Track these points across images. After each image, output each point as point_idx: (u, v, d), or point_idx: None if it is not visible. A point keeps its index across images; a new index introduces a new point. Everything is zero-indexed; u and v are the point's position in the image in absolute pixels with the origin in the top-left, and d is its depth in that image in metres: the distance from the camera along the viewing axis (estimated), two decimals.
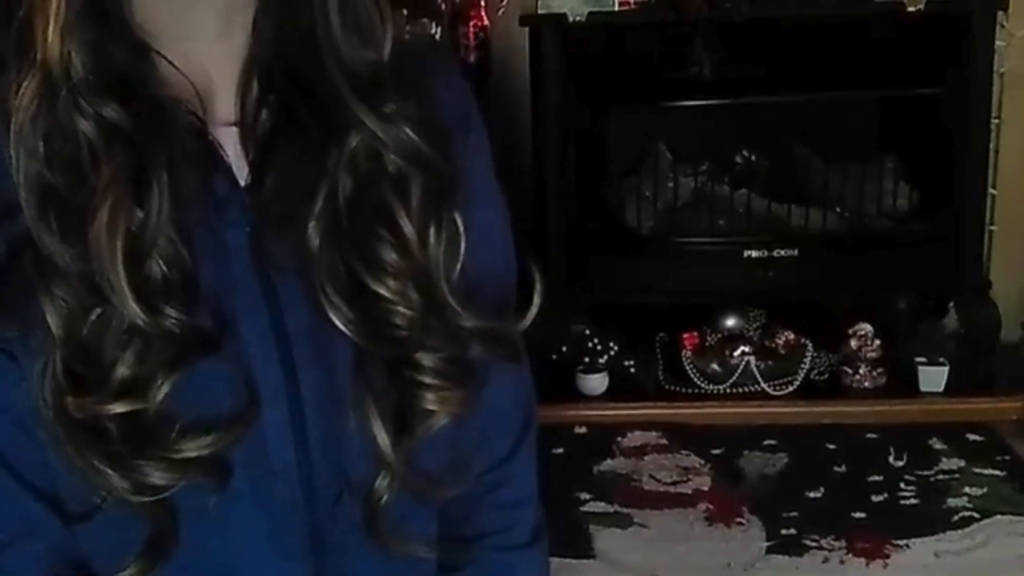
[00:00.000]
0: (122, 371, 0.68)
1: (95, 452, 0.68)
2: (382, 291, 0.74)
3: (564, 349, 2.99)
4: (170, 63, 0.72)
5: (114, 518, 0.71)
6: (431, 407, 0.76)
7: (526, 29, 3.08)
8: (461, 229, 0.77)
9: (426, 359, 0.76)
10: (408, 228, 0.74)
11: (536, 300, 0.82)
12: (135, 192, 0.67)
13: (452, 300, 0.76)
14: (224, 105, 0.75)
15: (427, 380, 0.76)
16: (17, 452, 0.73)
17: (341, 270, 0.73)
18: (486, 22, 3.23)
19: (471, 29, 3.22)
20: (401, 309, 0.74)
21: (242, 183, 0.74)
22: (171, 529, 0.72)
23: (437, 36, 3.15)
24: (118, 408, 0.68)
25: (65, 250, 0.67)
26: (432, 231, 0.75)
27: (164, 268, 0.68)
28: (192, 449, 0.69)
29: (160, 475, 0.69)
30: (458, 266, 0.77)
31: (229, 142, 0.74)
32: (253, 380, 0.73)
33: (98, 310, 0.67)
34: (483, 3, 3.21)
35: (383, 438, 0.74)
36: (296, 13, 0.73)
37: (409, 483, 0.76)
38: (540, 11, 3.05)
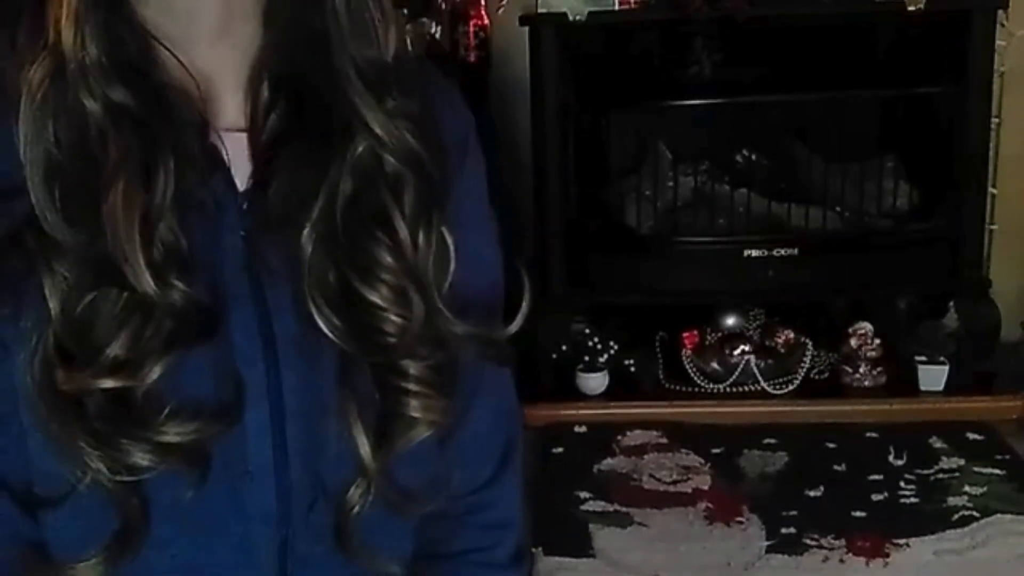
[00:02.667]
0: (116, 349, 0.68)
1: (78, 428, 0.69)
2: (374, 297, 0.74)
3: (564, 349, 2.99)
4: (177, 60, 0.72)
5: (84, 507, 0.72)
6: (414, 414, 0.76)
7: (526, 29, 3.08)
8: (451, 244, 0.77)
9: (412, 366, 0.76)
10: (402, 230, 0.75)
11: (524, 308, 0.82)
12: (143, 173, 0.69)
13: (444, 308, 0.77)
14: (226, 109, 0.76)
15: (411, 387, 0.76)
16: None
17: (331, 279, 0.74)
18: (486, 22, 3.23)
19: (471, 29, 3.22)
20: (392, 316, 0.74)
21: (240, 187, 0.75)
22: (141, 523, 0.72)
23: (437, 36, 3.16)
24: (108, 383, 0.68)
25: (68, 228, 0.68)
26: (422, 235, 0.76)
27: (162, 250, 0.70)
28: (175, 434, 0.70)
29: (141, 456, 0.69)
30: (448, 280, 0.78)
31: (229, 146, 0.75)
32: (238, 376, 0.73)
33: (94, 292, 0.69)
34: (483, 3, 3.22)
35: (364, 445, 0.75)
36: (305, 13, 0.74)
37: (384, 494, 0.76)
38: (540, 11, 3.05)
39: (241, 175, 0.75)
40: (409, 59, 0.78)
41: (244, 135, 0.76)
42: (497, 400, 0.89)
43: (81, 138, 0.69)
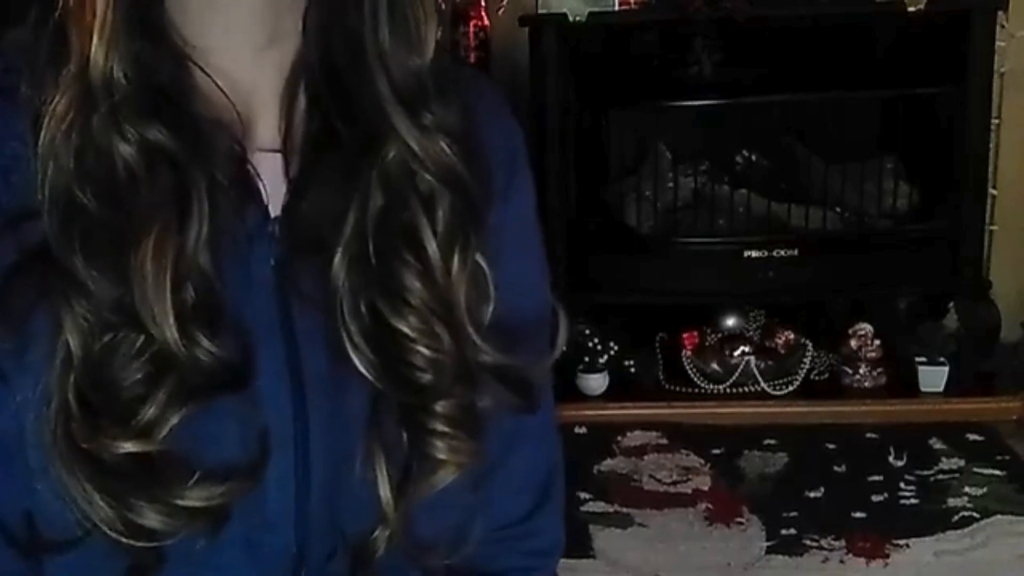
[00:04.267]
0: (149, 411, 0.64)
1: (95, 486, 0.64)
2: (402, 326, 0.70)
3: (564, 349, 2.98)
4: (212, 80, 0.68)
5: (94, 551, 0.67)
6: (441, 456, 0.72)
7: (526, 29, 3.08)
8: (487, 272, 0.73)
9: (440, 405, 0.72)
10: (433, 250, 0.71)
11: (560, 343, 0.80)
12: (177, 217, 0.65)
13: (476, 337, 0.73)
14: (263, 128, 0.72)
15: (439, 427, 0.72)
16: None
17: (363, 307, 0.70)
18: (486, 22, 3.23)
19: (471, 29, 3.22)
20: (421, 348, 0.71)
21: (273, 214, 0.71)
22: (154, 567, 0.68)
23: (437, 36, 3.15)
24: (132, 447, 0.64)
25: (90, 272, 0.63)
26: (456, 258, 0.72)
27: (193, 294, 0.65)
28: (199, 499, 0.66)
29: (159, 520, 0.65)
30: (488, 310, 0.74)
31: (265, 168, 0.71)
32: (265, 425, 0.69)
33: (112, 334, 0.64)
34: (483, 3, 3.21)
35: (385, 491, 0.71)
36: (344, 15, 0.70)
37: (403, 545, 0.73)
38: (540, 11, 3.05)
39: (275, 197, 0.71)
40: (452, 66, 0.75)
41: (279, 156, 0.72)
42: (541, 429, 0.85)
43: (109, 178, 0.64)
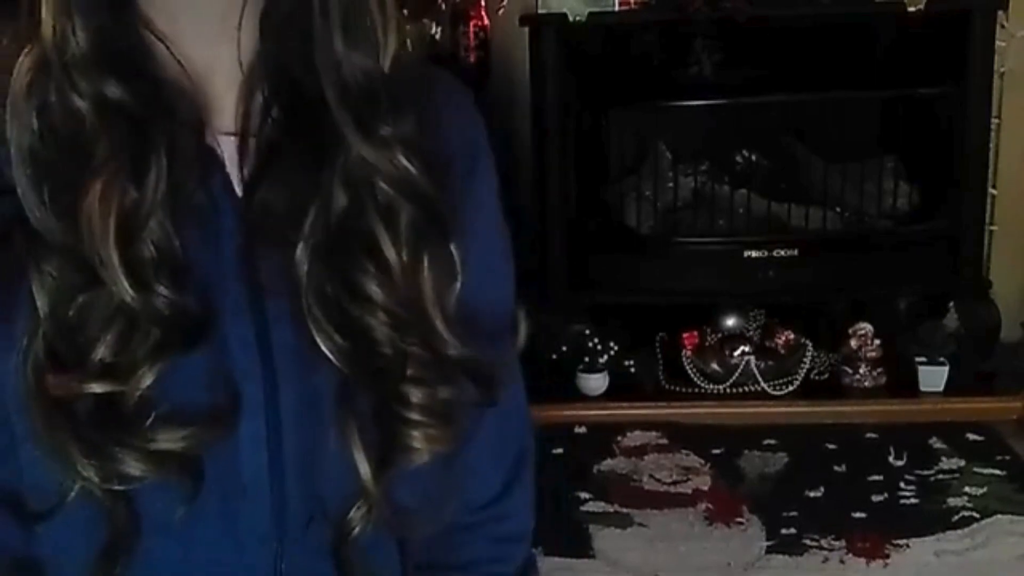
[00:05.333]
0: (103, 351, 0.66)
1: (69, 434, 0.67)
2: (368, 320, 0.71)
3: (564, 349, 2.99)
4: (175, 58, 0.70)
5: (74, 521, 0.70)
6: (416, 444, 0.74)
7: (526, 29, 3.08)
8: (457, 262, 0.74)
9: (414, 394, 0.73)
10: (392, 258, 0.71)
11: (522, 333, 0.81)
12: (132, 170, 0.66)
13: (444, 332, 0.74)
14: (224, 112, 0.73)
15: (414, 417, 0.73)
16: None
17: (330, 293, 0.71)
18: (486, 22, 3.23)
19: (471, 29, 3.22)
20: (387, 340, 0.72)
21: (239, 193, 0.72)
22: (132, 535, 0.70)
23: (437, 36, 3.15)
24: (97, 388, 0.66)
25: (56, 225, 0.66)
26: (422, 262, 0.72)
27: (154, 251, 0.67)
28: (167, 441, 0.68)
29: (132, 464, 0.67)
30: (453, 298, 0.75)
31: (227, 150, 0.72)
32: (234, 384, 0.71)
33: (84, 294, 0.67)
34: (483, 3, 3.21)
35: (364, 468, 0.72)
36: (300, 19, 0.70)
37: (384, 516, 0.74)
38: (540, 11, 3.05)
39: (236, 180, 0.73)
40: (410, 65, 0.74)
41: (235, 142, 0.73)
42: (506, 414, 0.86)
43: (71, 134, 0.66)
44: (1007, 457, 2.73)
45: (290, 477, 0.74)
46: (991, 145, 3.13)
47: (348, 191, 0.71)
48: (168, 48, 0.70)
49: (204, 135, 0.71)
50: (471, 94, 0.84)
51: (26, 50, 0.66)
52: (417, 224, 0.72)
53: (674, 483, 2.64)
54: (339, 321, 0.71)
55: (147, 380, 0.67)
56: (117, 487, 0.68)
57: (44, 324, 0.66)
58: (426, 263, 0.73)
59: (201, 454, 0.69)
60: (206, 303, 0.70)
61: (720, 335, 3.07)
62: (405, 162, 0.71)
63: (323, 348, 0.71)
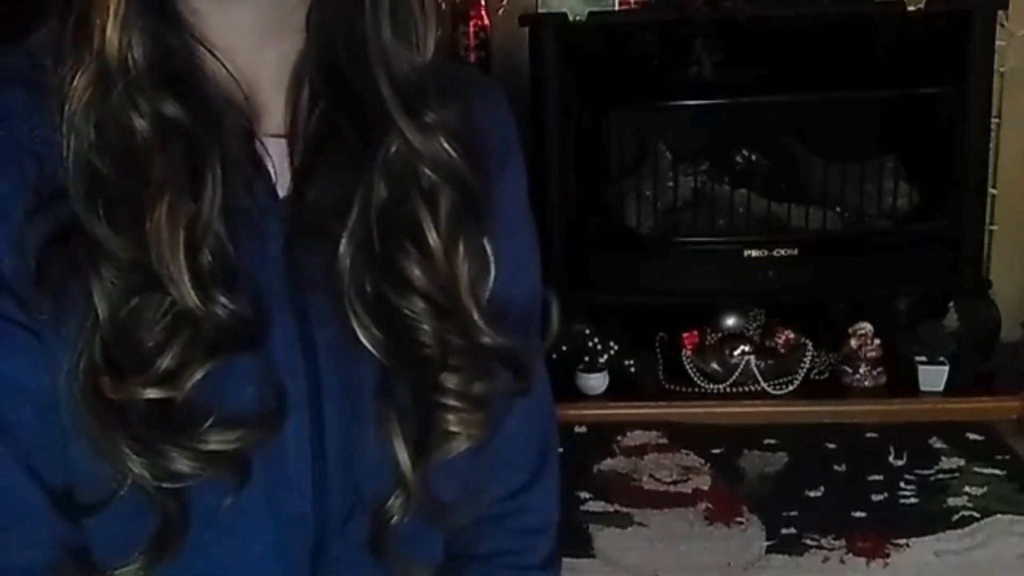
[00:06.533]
0: (166, 361, 0.68)
1: (121, 434, 0.68)
2: (407, 309, 0.74)
3: (564, 349, 2.99)
4: (222, 64, 0.72)
5: (125, 513, 0.71)
6: (453, 429, 0.76)
7: (526, 29, 3.08)
8: (491, 255, 0.77)
9: (450, 381, 0.76)
10: (434, 241, 0.74)
11: (555, 326, 0.83)
12: (191, 185, 0.68)
13: (479, 320, 0.76)
14: (270, 116, 0.75)
15: (450, 402, 0.76)
16: (33, 440, 0.72)
17: (369, 289, 0.73)
18: (486, 22, 3.23)
19: (471, 29, 3.22)
20: (425, 327, 0.74)
21: (281, 195, 0.75)
22: (181, 527, 0.71)
23: (437, 36, 3.15)
24: (154, 394, 0.68)
25: (113, 236, 0.67)
26: (460, 247, 0.75)
27: (211, 259, 0.69)
28: (218, 443, 0.69)
29: (184, 463, 0.69)
30: (488, 291, 0.77)
31: (272, 152, 0.74)
32: (281, 385, 0.73)
33: (137, 297, 0.68)
34: (483, 3, 3.22)
35: (404, 457, 0.74)
36: (347, 15, 0.73)
37: (423, 505, 0.76)
38: (540, 11, 3.06)
39: (281, 180, 0.75)
40: (453, 65, 0.77)
41: (284, 142, 0.75)
42: (534, 406, 0.87)
43: (126, 150, 0.68)
44: (1007, 457, 2.73)
45: (332, 471, 0.76)
46: (991, 145, 3.13)
47: (390, 184, 0.73)
48: (218, 58, 0.72)
49: (252, 141, 0.73)
50: (504, 92, 0.86)
51: (86, 64, 0.67)
52: (457, 210, 0.75)
53: (674, 483, 2.64)
54: (379, 312, 0.73)
55: (197, 377, 0.68)
56: (168, 485, 0.69)
57: (103, 328, 0.68)
58: (462, 250, 0.75)
59: (249, 453, 0.71)
60: (257, 306, 0.72)
61: (720, 335, 3.07)
62: (448, 148, 0.74)
63: (364, 341, 0.73)
